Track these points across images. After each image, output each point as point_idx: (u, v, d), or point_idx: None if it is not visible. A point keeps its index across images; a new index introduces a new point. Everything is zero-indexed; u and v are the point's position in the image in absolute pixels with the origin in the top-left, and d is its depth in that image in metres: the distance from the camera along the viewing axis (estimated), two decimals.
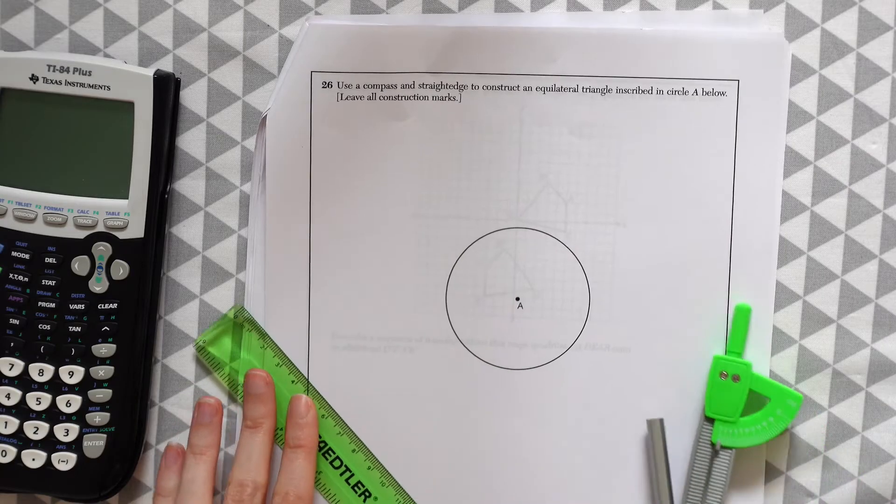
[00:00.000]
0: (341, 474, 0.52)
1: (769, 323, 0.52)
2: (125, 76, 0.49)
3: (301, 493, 0.49)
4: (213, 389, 0.53)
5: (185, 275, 0.53)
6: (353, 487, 0.52)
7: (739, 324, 0.50)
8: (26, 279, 0.50)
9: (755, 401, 0.50)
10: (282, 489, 0.50)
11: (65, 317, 0.50)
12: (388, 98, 0.51)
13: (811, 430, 0.52)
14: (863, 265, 0.52)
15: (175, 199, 0.52)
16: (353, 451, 0.52)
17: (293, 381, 0.52)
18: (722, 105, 0.51)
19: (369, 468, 0.52)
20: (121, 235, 0.50)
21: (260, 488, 0.49)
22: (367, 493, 0.52)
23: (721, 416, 0.49)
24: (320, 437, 0.52)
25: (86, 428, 0.51)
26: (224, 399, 0.53)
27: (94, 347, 0.50)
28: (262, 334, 0.52)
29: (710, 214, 0.51)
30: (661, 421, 0.50)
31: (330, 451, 0.52)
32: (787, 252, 0.52)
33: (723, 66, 0.50)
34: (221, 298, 0.53)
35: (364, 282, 0.52)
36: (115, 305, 0.50)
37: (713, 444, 0.50)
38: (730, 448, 0.50)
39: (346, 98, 0.51)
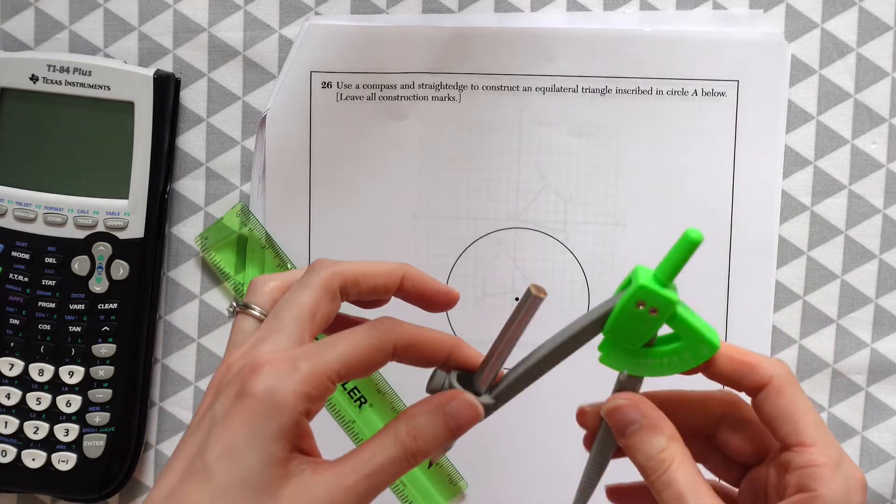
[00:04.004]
0: (356, 401, 0.52)
1: (769, 323, 0.52)
2: (125, 76, 0.49)
3: None
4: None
5: (185, 275, 0.53)
6: (349, 393, 0.52)
7: (680, 250, 0.35)
8: (26, 279, 0.50)
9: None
10: None
11: (65, 317, 0.50)
12: (388, 98, 0.51)
13: None
14: (863, 265, 0.52)
15: (175, 199, 0.52)
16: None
17: None
18: (721, 105, 0.51)
19: None
20: (121, 235, 0.50)
21: None
22: (362, 399, 0.52)
23: (620, 341, 0.37)
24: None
25: (86, 428, 0.51)
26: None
27: (94, 347, 0.50)
28: (264, 234, 0.52)
29: (709, 214, 0.51)
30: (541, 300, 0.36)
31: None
32: (787, 252, 0.52)
33: (722, 66, 0.50)
34: (221, 299, 0.53)
35: None
36: (115, 305, 0.50)
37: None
38: (605, 364, 0.38)
39: (346, 98, 0.51)
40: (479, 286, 0.52)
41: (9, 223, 0.50)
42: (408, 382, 0.52)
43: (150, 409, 0.52)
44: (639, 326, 0.36)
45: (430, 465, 0.52)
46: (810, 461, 0.35)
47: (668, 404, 0.38)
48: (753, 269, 0.51)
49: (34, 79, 0.49)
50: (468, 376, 0.36)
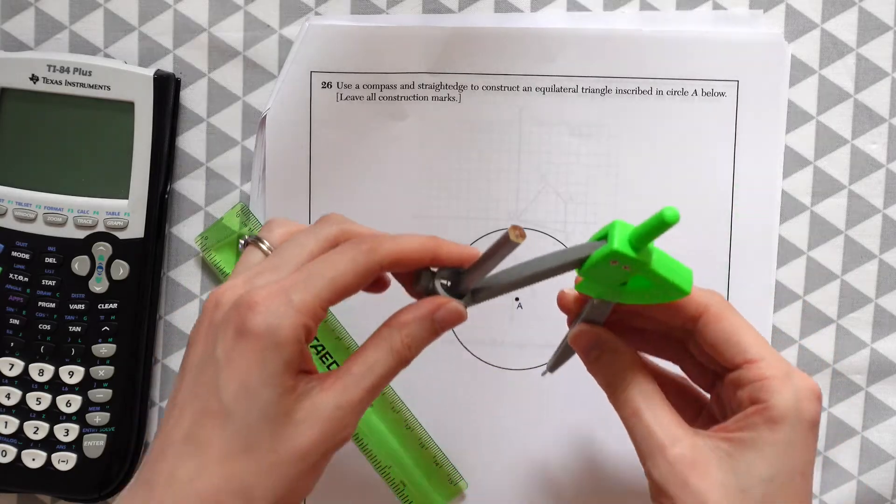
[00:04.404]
0: (328, 366, 0.52)
1: (769, 323, 0.52)
2: (125, 76, 0.49)
3: None
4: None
5: (185, 275, 0.53)
6: None
7: (652, 225, 0.35)
8: (26, 279, 0.50)
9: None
10: None
11: (65, 317, 0.50)
12: (388, 98, 0.51)
13: None
14: (863, 265, 0.52)
15: (175, 199, 0.52)
16: (338, 338, 0.52)
17: None
18: (721, 105, 0.51)
19: None
20: (121, 235, 0.50)
21: None
22: None
23: (597, 280, 0.38)
24: None
25: (86, 428, 0.51)
26: None
27: (94, 347, 0.50)
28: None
29: (709, 215, 0.51)
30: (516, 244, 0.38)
31: (320, 346, 0.52)
32: (787, 252, 0.52)
33: (722, 66, 0.51)
34: None
35: None
36: (115, 305, 0.50)
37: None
38: (582, 292, 0.40)
39: (346, 98, 0.51)
40: None
41: (9, 223, 0.50)
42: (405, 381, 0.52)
43: (150, 409, 0.53)
44: (614, 274, 0.37)
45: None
46: (758, 375, 0.36)
47: (644, 310, 0.39)
48: (753, 269, 0.51)
49: (34, 79, 0.49)
50: (453, 271, 0.40)
